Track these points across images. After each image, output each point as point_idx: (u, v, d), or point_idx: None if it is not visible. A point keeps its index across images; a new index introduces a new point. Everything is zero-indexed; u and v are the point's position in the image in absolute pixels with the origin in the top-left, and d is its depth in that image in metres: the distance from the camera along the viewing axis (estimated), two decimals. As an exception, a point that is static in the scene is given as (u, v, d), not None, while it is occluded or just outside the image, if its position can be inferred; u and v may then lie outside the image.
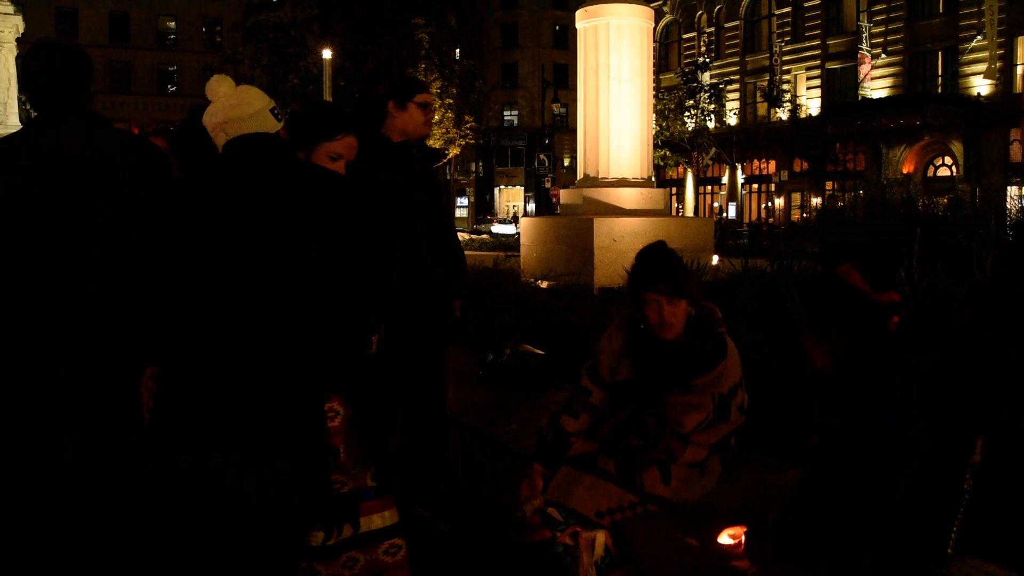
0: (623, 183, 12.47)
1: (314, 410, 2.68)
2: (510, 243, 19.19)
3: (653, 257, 3.53)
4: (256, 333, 2.54)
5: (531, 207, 57.93)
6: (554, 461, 3.47)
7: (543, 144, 53.74)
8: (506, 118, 61.89)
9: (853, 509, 2.73)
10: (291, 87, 40.68)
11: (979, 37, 37.37)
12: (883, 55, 41.66)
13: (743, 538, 3.09)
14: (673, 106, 43.17)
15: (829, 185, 41.67)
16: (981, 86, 37.65)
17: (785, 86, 45.18)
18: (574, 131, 13.80)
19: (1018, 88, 36.67)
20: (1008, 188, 30.46)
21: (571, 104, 19.25)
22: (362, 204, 2.79)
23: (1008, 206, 10.61)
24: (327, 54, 32.53)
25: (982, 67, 37.52)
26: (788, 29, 46.32)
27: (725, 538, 3.12)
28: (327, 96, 32.15)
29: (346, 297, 2.68)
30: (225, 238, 2.56)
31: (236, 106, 2.76)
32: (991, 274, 5.75)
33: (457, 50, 44.32)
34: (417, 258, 4.24)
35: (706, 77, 46.07)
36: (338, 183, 2.82)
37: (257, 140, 2.75)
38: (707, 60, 47.70)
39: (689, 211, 49.75)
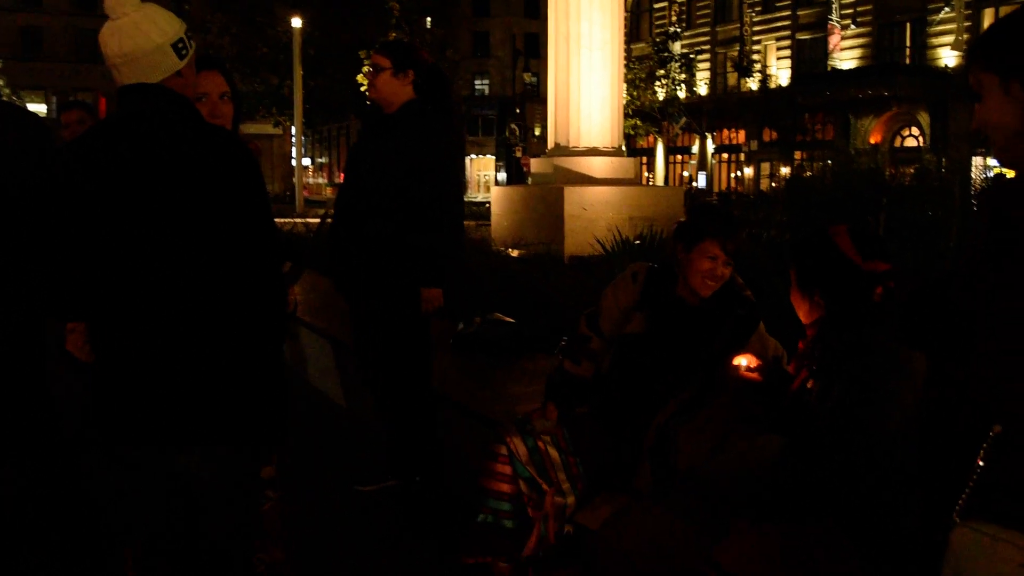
0: (594, 152, 12.47)
1: (254, 385, 2.47)
2: (481, 212, 19.16)
3: (726, 215, 3.50)
4: (182, 310, 2.33)
5: (502, 176, 57.81)
6: (562, 397, 3.54)
7: (514, 113, 53.57)
8: (477, 87, 61.55)
9: (822, 474, 2.79)
10: (261, 56, 40.29)
11: (947, 9, 37.54)
12: (852, 26, 41.78)
13: (756, 361, 3.19)
14: (644, 75, 43.19)
15: (798, 155, 41.87)
16: (948, 57, 37.87)
17: (755, 56, 45.26)
18: (545, 100, 13.78)
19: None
20: (973, 159, 30.73)
21: (542, 73, 19.23)
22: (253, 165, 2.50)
23: (973, 176, 10.73)
24: (296, 23, 32.19)
25: (950, 39, 37.73)
26: (758, -1, 46.36)
27: (741, 360, 3.21)
28: (297, 66, 31.85)
29: (263, 266, 2.46)
30: (158, 207, 2.31)
31: (135, 36, 2.38)
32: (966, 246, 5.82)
33: (428, 19, 43.98)
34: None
35: (677, 47, 46.02)
36: (240, 147, 2.50)
37: (162, 98, 2.41)
38: (678, 30, 47.61)
39: (659, 180, 49.83)
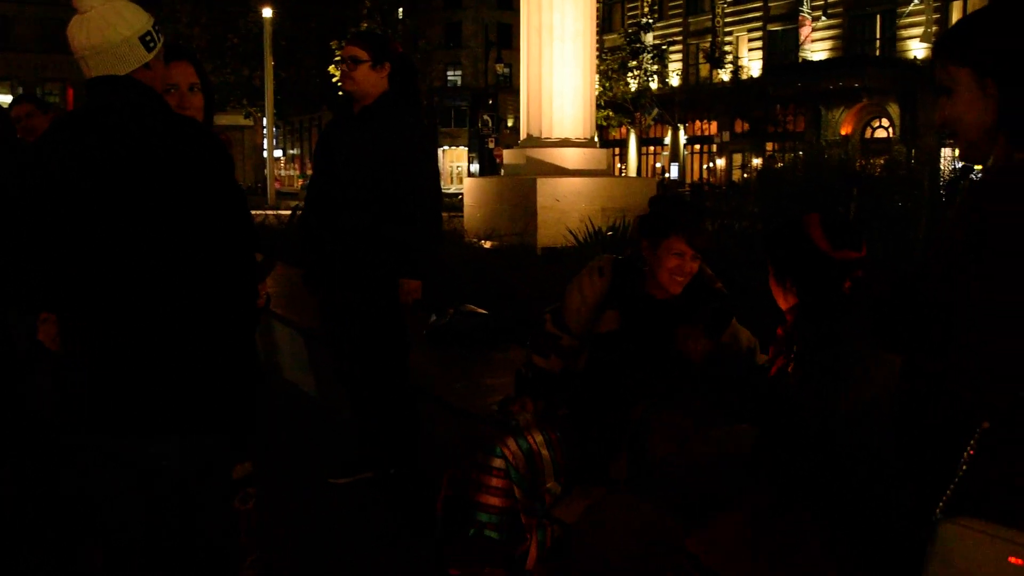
0: (566, 143, 12.48)
1: (224, 375, 2.47)
2: (453, 204, 19.15)
3: (691, 206, 3.42)
4: (156, 299, 2.34)
5: (475, 167, 57.70)
6: (534, 390, 3.48)
7: (487, 104, 53.48)
8: (449, 78, 61.35)
9: (797, 460, 2.81)
10: (231, 46, 39.96)
11: (916, 1, 37.80)
12: (823, 18, 42.01)
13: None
14: (616, 67, 43.25)
15: (769, 146, 42.06)
16: (917, 49, 38.16)
17: (727, 47, 45.41)
18: (518, 91, 13.78)
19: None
20: (942, 150, 30.97)
21: (515, 64, 19.18)
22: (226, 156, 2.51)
23: (942, 167, 10.82)
24: (267, 12, 31.94)
25: (919, 31, 38.01)
26: (730, -10, 46.50)
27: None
28: (268, 56, 31.64)
29: (230, 256, 2.47)
30: (114, 193, 2.31)
31: (103, 29, 2.39)
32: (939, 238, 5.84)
33: (400, 9, 43.79)
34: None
35: (649, 38, 46.11)
36: (212, 139, 2.52)
37: (131, 91, 2.42)
38: (650, 21, 47.72)
39: (632, 171, 49.90)
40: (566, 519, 3.22)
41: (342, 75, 4.36)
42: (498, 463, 3.23)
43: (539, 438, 3.30)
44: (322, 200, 4.40)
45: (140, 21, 2.46)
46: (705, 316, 3.37)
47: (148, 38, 2.46)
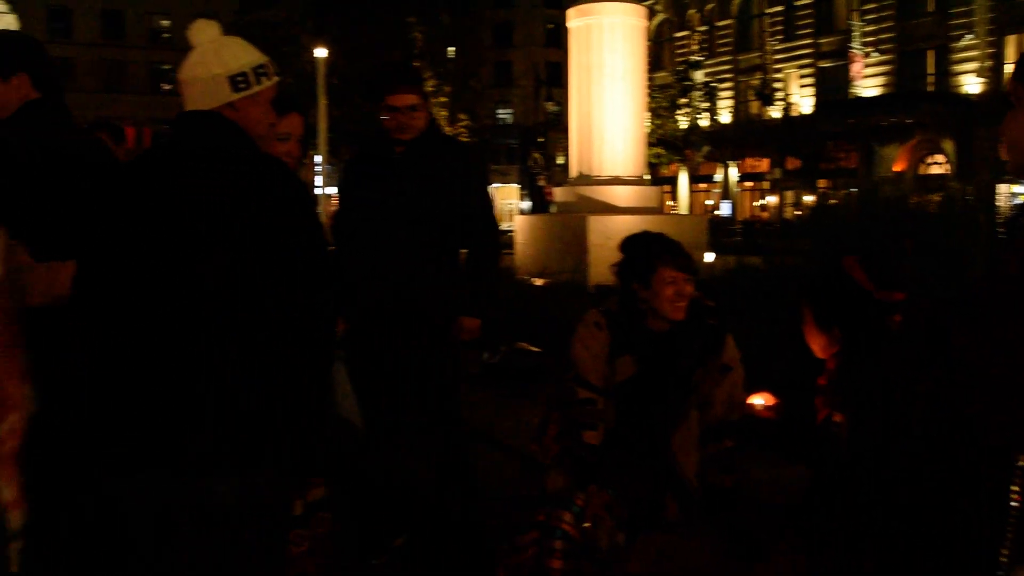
0: (617, 181, 12.51)
1: (275, 419, 2.39)
2: (505, 241, 19.19)
3: (664, 237, 3.55)
4: (226, 337, 2.30)
5: (526, 205, 57.92)
6: (597, 472, 3.32)
7: (537, 142, 53.71)
8: (500, 116, 61.82)
9: (851, 509, 2.78)
10: (287, 86, 40.62)
11: (969, 36, 37.46)
12: (874, 54, 41.75)
13: (773, 400, 3.28)
14: (667, 104, 43.27)
15: (822, 183, 41.74)
16: (972, 84, 37.75)
17: (777, 84, 45.26)
18: (567, 129, 13.85)
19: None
20: (998, 186, 30.53)
21: (564, 102, 19.25)
22: (308, 201, 2.51)
23: (998, 204, 10.68)
24: (321, 52, 32.43)
25: (973, 66, 37.62)
26: (780, 28, 46.41)
27: (757, 399, 3.29)
28: (321, 96, 32.11)
29: (302, 299, 2.40)
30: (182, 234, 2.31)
31: (195, 65, 2.48)
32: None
33: (451, 48, 44.29)
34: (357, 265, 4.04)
35: (699, 75, 46.14)
36: (290, 176, 2.50)
37: (207, 122, 2.45)
38: (700, 59, 47.76)
39: (683, 209, 49.74)
40: (636, 571, 3.18)
41: None
42: (559, 544, 3.08)
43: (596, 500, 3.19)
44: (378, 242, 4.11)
45: (237, 62, 2.50)
46: (704, 336, 3.44)
47: (240, 79, 2.49)
